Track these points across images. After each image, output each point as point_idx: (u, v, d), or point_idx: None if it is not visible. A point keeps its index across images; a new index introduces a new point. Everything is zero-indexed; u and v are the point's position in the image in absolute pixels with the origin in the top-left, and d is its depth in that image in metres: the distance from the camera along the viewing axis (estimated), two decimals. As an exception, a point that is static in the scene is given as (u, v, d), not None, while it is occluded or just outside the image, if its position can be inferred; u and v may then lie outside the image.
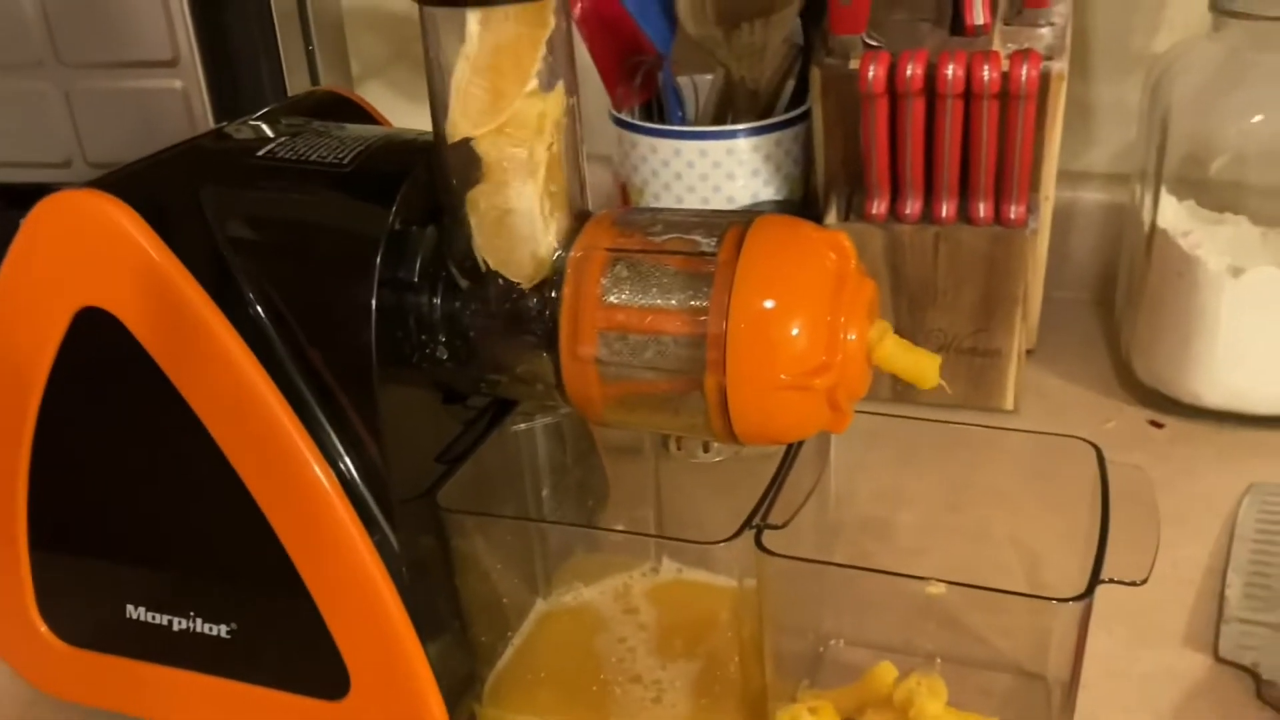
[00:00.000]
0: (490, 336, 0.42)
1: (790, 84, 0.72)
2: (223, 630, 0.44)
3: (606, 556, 0.53)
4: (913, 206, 0.64)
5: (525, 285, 0.40)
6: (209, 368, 0.41)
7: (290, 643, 0.43)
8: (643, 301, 0.39)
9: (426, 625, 0.43)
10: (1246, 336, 0.63)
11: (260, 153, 0.43)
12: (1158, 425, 0.67)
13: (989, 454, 0.51)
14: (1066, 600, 0.38)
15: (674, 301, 0.39)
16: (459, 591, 0.45)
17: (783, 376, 0.38)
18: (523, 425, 0.49)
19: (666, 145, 0.69)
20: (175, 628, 0.45)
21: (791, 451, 0.44)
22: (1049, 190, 0.66)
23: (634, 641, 0.49)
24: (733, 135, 0.68)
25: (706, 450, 0.52)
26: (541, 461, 0.51)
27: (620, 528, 0.53)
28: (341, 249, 0.41)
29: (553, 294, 0.40)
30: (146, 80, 0.79)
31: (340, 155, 0.42)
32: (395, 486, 0.41)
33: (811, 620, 0.50)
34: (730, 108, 0.71)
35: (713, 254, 0.39)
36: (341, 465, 0.41)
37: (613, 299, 0.40)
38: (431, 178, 0.41)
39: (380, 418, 0.41)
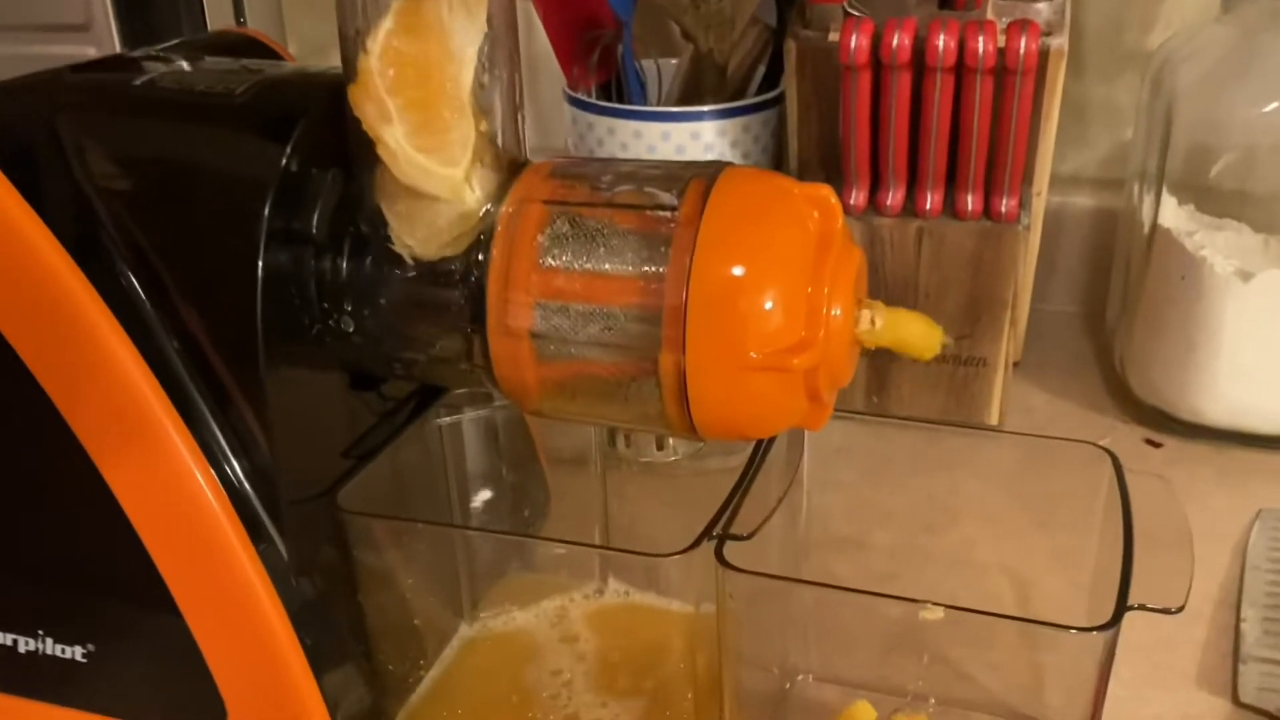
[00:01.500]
0: (405, 305, 0.35)
1: (761, 69, 0.67)
2: (78, 653, 0.37)
3: (544, 575, 0.46)
4: (894, 197, 0.58)
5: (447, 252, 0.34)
6: (65, 341, 0.34)
7: (156, 668, 0.36)
8: (587, 265, 0.33)
9: (321, 651, 0.36)
10: (1254, 347, 0.57)
11: (138, 81, 0.36)
12: (1155, 444, 0.61)
13: (973, 466, 0.46)
14: (1090, 630, 0.31)
15: (625, 266, 0.33)
16: (364, 611, 0.38)
17: (753, 355, 0.32)
18: (448, 419, 0.43)
19: (625, 127, 0.63)
20: (21, 649, 0.38)
21: (760, 451, 0.37)
22: (1042, 184, 0.61)
23: (571, 674, 0.42)
24: (698, 117, 0.62)
25: (660, 448, 0.46)
26: (470, 463, 0.44)
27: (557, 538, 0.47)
28: (224, 193, 0.34)
29: (479, 256, 0.34)
30: (55, 45, 0.72)
31: (232, 86, 0.35)
32: (286, 484, 0.35)
33: (777, 651, 0.44)
34: (697, 90, 0.65)
35: (672, 209, 0.33)
36: (220, 456, 0.34)
37: (551, 262, 0.33)
38: (340, 115, 0.34)
39: (267, 401, 0.34)
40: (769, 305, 0.32)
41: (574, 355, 0.33)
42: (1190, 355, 0.59)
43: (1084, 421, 0.64)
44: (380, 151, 0.33)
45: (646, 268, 0.33)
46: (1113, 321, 0.68)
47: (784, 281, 0.32)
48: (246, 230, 0.33)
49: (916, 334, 0.35)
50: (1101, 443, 0.61)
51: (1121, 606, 0.31)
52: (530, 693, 0.41)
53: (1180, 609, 0.32)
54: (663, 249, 0.32)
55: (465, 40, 0.33)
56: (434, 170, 0.33)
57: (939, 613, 0.33)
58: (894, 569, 0.46)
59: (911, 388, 0.62)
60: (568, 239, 0.33)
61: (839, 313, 0.33)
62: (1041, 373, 0.68)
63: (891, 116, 0.55)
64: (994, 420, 0.62)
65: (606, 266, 0.33)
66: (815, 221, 0.33)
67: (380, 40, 0.32)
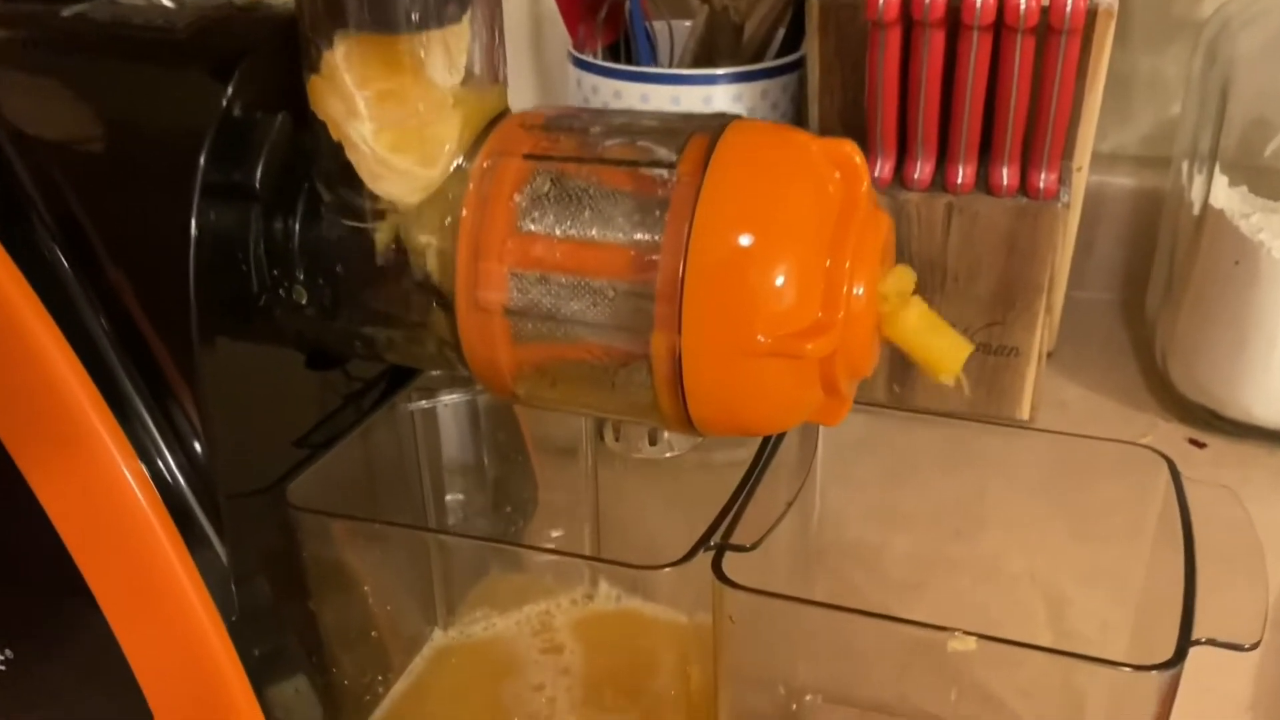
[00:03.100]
0: (364, 273, 0.30)
1: (781, 31, 0.62)
2: (-5, 659, 0.33)
3: (529, 577, 0.42)
4: (923, 170, 0.53)
5: (411, 202, 0.29)
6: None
7: (80, 678, 0.32)
8: (571, 231, 0.29)
9: (265, 661, 0.32)
10: (1314, 340, 0.53)
11: (67, 13, 0.32)
12: (1199, 445, 0.57)
13: (1005, 464, 0.42)
14: (1148, 669, 0.27)
15: (614, 232, 0.28)
16: (317, 618, 0.34)
17: (760, 338, 0.27)
18: (422, 403, 0.38)
19: (632, 90, 0.58)
20: (-66, 653, 0.33)
21: (768, 449, 0.33)
22: (1084, 159, 0.56)
23: (554, 690, 0.38)
24: (711, 81, 0.58)
25: (654, 442, 0.41)
26: (447, 452, 0.40)
27: (532, 543, 0.42)
28: (155, 141, 0.29)
29: (448, 218, 0.29)
30: None
31: (174, 20, 0.31)
32: (224, 476, 0.30)
33: (781, 669, 0.40)
34: (711, 52, 0.61)
35: (670, 167, 0.28)
36: (151, 447, 0.30)
37: (531, 226, 0.29)
38: (292, 54, 0.30)
39: (201, 380, 0.29)
40: (780, 280, 0.27)
41: (554, 334, 0.29)
42: (1241, 348, 0.54)
43: (1122, 418, 0.59)
44: (348, 153, 0.29)
45: (639, 234, 0.28)
46: (1154, 311, 0.63)
47: (798, 253, 0.27)
48: (179, 184, 0.29)
49: (944, 343, 0.30)
50: (1142, 441, 0.57)
51: (1185, 641, 0.27)
52: (505, 711, 0.37)
53: (1256, 645, 0.28)
54: (658, 213, 0.28)
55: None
56: (409, 170, 0.29)
57: (970, 643, 0.28)
58: (917, 578, 0.42)
59: (936, 377, 0.57)
60: (549, 200, 0.29)
61: (861, 291, 0.28)
62: (1076, 365, 0.64)
63: (922, 80, 0.50)
64: (1025, 415, 0.57)
65: (593, 232, 0.28)
66: (836, 184, 0.28)
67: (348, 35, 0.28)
